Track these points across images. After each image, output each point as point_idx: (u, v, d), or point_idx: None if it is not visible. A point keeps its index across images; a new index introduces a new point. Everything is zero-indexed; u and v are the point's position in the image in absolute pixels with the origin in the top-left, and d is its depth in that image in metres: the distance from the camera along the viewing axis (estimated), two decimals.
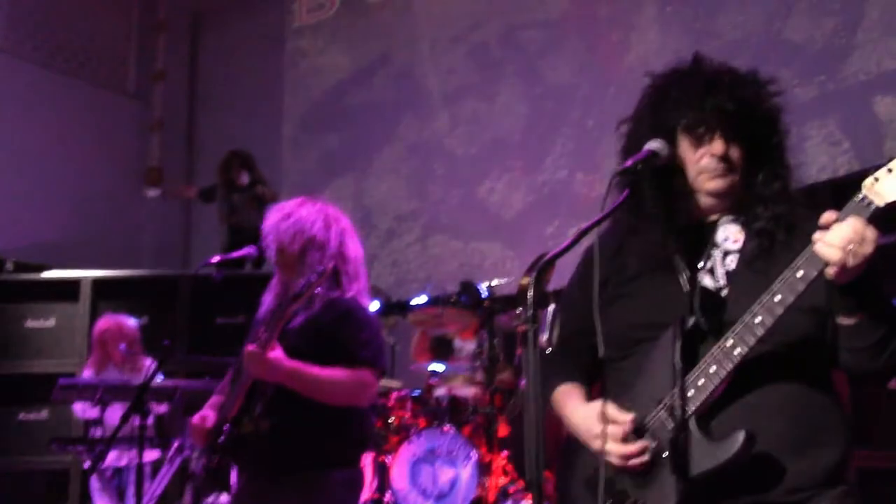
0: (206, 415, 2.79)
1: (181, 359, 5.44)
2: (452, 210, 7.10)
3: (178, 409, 4.65)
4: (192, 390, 4.41)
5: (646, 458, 1.71)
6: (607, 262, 1.86)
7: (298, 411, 2.65)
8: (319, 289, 2.69)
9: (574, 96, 6.57)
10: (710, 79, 1.81)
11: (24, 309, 6.12)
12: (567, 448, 1.93)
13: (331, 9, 8.19)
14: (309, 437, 2.66)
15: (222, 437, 2.66)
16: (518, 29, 7.02)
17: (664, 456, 1.69)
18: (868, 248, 1.55)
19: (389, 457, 4.55)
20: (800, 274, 1.60)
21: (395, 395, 4.91)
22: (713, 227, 1.83)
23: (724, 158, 1.78)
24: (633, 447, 1.71)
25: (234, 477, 2.95)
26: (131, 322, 5.18)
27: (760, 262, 1.75)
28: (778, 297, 1.62)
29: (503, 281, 5.22)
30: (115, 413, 4.21)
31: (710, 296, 1.77)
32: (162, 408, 4.72)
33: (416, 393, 4.93)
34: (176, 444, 4.44)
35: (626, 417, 1.72)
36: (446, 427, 4.53)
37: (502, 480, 4.48)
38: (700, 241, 1.83)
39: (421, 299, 5.49)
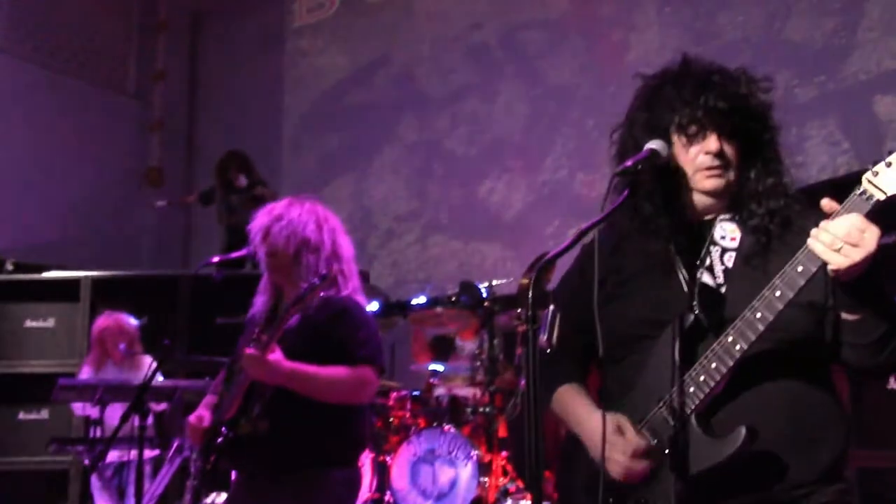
0: (202, 415, 2.79)
1: (181, 359, 5.44)
2: (452, 210, 7.10)
3: (178, 409, 4.65)
4: (192, 390, 4.41)
5: (646, 470, 1.71)
6: (606, 260, 1.86)
7: (296, 412, 2.65)
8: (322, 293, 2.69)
9: (574, 96, 6.57)
10: (702, 78, 1.82)
11: (24, 309, 6.11)
12: (567, 446, 1.93)
13: (331, 9, 8.19)
14: (307, 436, 2.66)
15: (220, 439, 2.66)
16: (518, 29, 7.02)
17: (665, 453, 1.70)
18: (870, 245, 1.55)
19: (389, 457, 4.55)
20: (800, 269, 1.60)
21: (394, 394, 4.92)
22: (711, 225, 1.84)
23: (720, 155, 1.79)
24: (640, 466, 1.71)
25: (233, 476, 2.95)
26: (131, 321, 5.18)
27: (759, 259, 1.75)
28: (778, 293, 1.62)
29: (503, 281, 5.22)
30: (114, 413, 4.21)
31: (710, 293, 1.77)
32: (162, 407, 4.72)
33: (416, 393, 4.93)
34: (176, 444, 4.44)
35: (640, 439, 1.72)
36: (446, 427, 4.53)
37: (502, 480, 4.48)
38: (698, 240, 1.83)
39: (421, 299, 5.49)
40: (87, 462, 4.74)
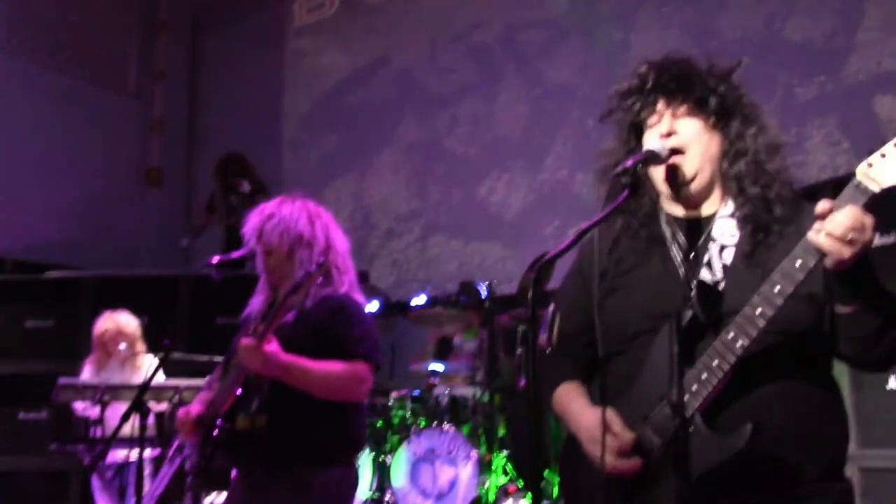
0: (190, 408, 2.80)
1: (181, 359, 5.44)
2: (452, 210, 7.10)
3: (178, 409, 4.64)
4: (192, 390, 4.41)
5: (637, 467, 1.71)
6: (604, 258, 1.87)
7: (295, 408, 2.65)
8: (319, 280, 2.70)
9: (574, 96, 6.56)
10: (656, 69, 1.83)
11: (24, 309, 6.11)
12: (569, 446, 1.93)
13: (331, 8, 8.19)
14: (305, 434, 2.66)
15: (216, 431, 2.66)
16: (518, 29, 7.02)
17: (669, 451, 1.69)
18: (867, 236, 1.55)
19: (389, 456, 4.55)
20: (798, 263, 1.60)
21: (394, 394, 4.92)
22: (709, 221, 1.83)
23: (673, 137, 1.79)
24: (628, 464, 1.71)
25: (233, 475, 2.95)
26: (131, 321, 5.18)
27: (757, 255, 1.75)
28: (777, 288, 1.61)
29: (503, 281, 5.22)
30: (115, 412, 4.21)
31: (708, 289, 1.76)
32: (162, 407, 4.72)
33: (416, 393, 4.93)
34: (176, 444, 4.44)
35: (627, 435, 1.72)
36: (446, 427, 4.53)
37: (502, 480, 4.48)
38: (697, 236, 1.83)
39: (421, 299, 5.49)
40: (87, 462, 4.74)
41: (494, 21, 7.16)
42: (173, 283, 6.00)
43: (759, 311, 1.62)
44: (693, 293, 1.76)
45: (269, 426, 2.65)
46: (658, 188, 1.86)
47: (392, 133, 7.55)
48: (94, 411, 4.56)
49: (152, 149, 8.78)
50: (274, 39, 8.52)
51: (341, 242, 2.91)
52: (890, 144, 1.56)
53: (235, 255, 3.61)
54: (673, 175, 1.81)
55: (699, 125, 1.81)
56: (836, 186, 1.65)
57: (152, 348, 5.04)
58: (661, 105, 1.82)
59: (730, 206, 1.82)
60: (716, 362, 1.66)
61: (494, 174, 6.91)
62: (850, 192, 1.57)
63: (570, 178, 6.46)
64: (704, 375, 1.67)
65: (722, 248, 1.80)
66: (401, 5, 7.76)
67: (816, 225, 1.56)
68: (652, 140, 1.82)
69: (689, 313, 1.73)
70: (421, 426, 4.61)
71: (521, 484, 4.47)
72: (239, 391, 2.73)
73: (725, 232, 1.81)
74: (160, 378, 4.32)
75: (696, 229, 1.84)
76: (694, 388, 1.68)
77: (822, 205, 1.57)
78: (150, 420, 4.31)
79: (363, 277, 5.75)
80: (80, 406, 4.88)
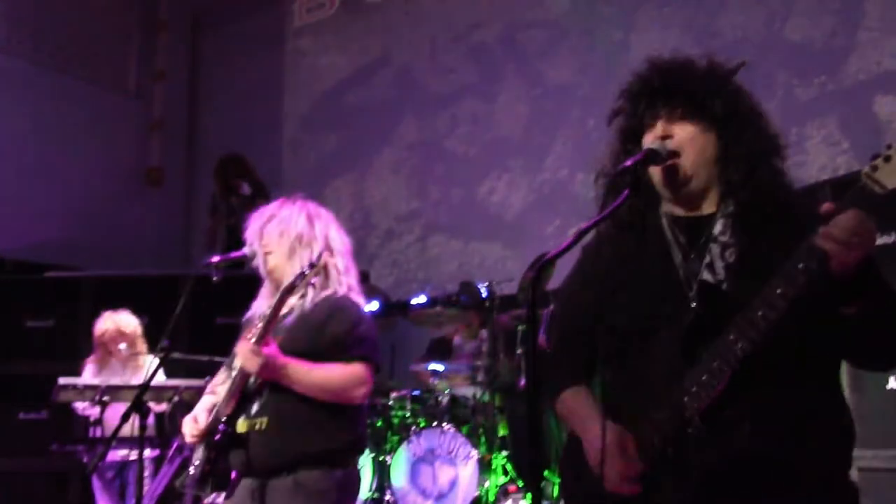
0: (197, 416, 2.80)
1: (181, 359, 5.43)
2: (452, 210, 7.10)
3: (178, 409, 4.64)
4: (192, 390, 4.41)
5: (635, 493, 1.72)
6: (605, 259, 1.87)
7: (295, 411, 2.65)
8: (315, 279, 2.70)
9: (574, 96, 6.56)
10: (654, 70, 1.84)
11: (24, 309, 6.11)
12: (572, 448, 1.92)
13: (331, 9, 8.19)
14: (305, 436, 2.65)
15: (218, 436, 2.66)
16: (518, 29, 7.02)
17: (669, 453, 1.69)
18: (870, 238, 1.55)
19: (389, 457, 4.55)
20: (801, 266, 1.59)
21: (394, 394, 4.92)
22: (710, 220, 1.82)
23: (668, 140, 1.79)
24: (628, 489, 1.72)
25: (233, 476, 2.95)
26: (132, 321, 5.18)
27: (759, 256, 1.73)
28: (779, 290, 1.60)
29: (503, 281, 5.22)
30: (115, 413, 4.21)
31: (710, 290, 1.76)
32: (162, 407, 4.72)
33: (416, 393, 4.93)
34: (176, 444, 4.44)
35: (637, 463, 1.72)
36: (446, 427, 4.53)
37: (502, 480, 4.48)
38: (697, 236, 1.82)
39: (421, 299, 5.50)
40: (86, 461, 4.74)
41: (494, 21, 7.16)
42: (173, 283, 6.00)
43: (760, 313, 1.62)
44: (694, 294, 1.75)
45: (269, 429, 2.64)
46: (657, 188, 1.86)
47: (392, 133, 7.55)
48: (94, 411, 4.56)
49: (152, 149, 8.78)
50: (274, 39, 8.52)
51: (342, 243, 2.90)
52: (893, 148, 1.55)
53: (235, 254, 3.61)
54: (671, 176, 1.80)
55: (696, 127, 1.80)
56: (835, 186, 1.65)
57: (152, 348, 5.03)
58: (658, 107, 1.81)
59: (731, 205, 1.80)
60: (716, 364, 1.66)
61: (494, 174, 6.92)
62: (854, 195, 1.56)
63: (570, 178, 6.46)
64: (705, 377, 1.67)
65: (724, 248, 1.78)
66: (401, 5, 7.76)
67: (822, 230, 1.56)
68: (650, 142, 1.82)
69: (691, 315, 1.72)
70: (421, 426, 4.60)
71: (521, 484, 4.47)
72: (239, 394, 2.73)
73: (727, 232, 1.79)
74: (160, 378, 4.33)
75: (697, 229, 1.82)
76: (694, 389, 1.68)
77: (825, 207, 1.57)
78: (151, 420, 4.32)
79: (363, 277, 5.75)
80: (80, 406, 4.88)
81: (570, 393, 1.93)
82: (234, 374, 2.73)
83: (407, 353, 5.86)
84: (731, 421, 1.65)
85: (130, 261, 7.59)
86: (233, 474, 2.89)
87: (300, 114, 8.29)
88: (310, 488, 2.64)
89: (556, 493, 4.31)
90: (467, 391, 4.90)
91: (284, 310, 2.74)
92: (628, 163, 1.75)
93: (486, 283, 5.13)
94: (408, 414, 4.80)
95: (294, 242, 2.80)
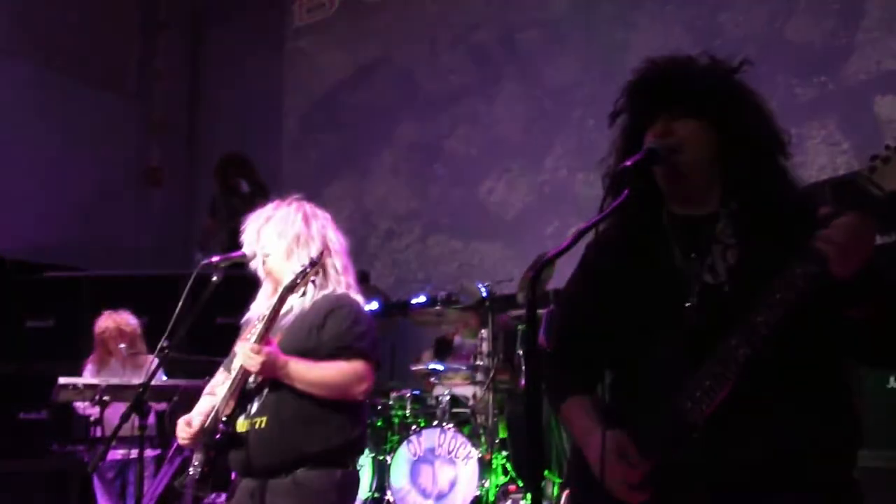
0: (192, 418, 2.80)
1: (181, 359, 5.43)
2: (452, 210, 7.10)
3: (178, 409, 4.64)
4: (192, 390, 4.41)
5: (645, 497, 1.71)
6: (607, 261, 1.86)
7: (294, 410, 2.65)
8: (315, 277, 2.70)
9: (574, 96, 6.56)
10: (655, 68, 1.83)
11: (24, 309, 6.11)
12: (577, 460, 1.91)
13: (330, 9, 8.19)
14: (305, 436, 2.65)
15: (218, 436, 2.66)
16: (518, 29, 7.02)
17: (674, 457, 1.68)
18: (870, 241, 1.55)
19: (389, 457, 4.55)
20: (800, 270, 1.58)
21: (394, 394, 4.92)
22: (712, 220, 1.80)
23: (667, 136, 1.77)
24: (636, 497, 1.70)
25: (233, 476, 2.95)
26: (132, 320, 5.18)
27: (761, 257, 1.71)
28: (779, 295, 1.60)
29: (503, 281, 5.22)
30: (115, 412, 4.21)
31: (712, 292, 1.74)
32: (162, 407, 4.72)
33: (416, 393, 4.93)
34: (176, 444, 4.44)
35: (640, 466, 1.70)
36: (446, 427, 4.53)
37: (502, 480, 4.48)
38: (699, 235, 1.80)
39: (421, 299, 5.50)
40: (87, 461, 4.74)
41: (494, 21, 7.16)
42: (173, 283, 6.00)
43: (761, 318, 1.61)
44: (695, 296, 1.74)
45: (268, 428, 2.64)
46: (659, 187, 1.85)
47: (392, 133, 7.55)
48: (94, 411, 4.56)
49: (152, 149, 8.78)
50: (274, 39, 8.52)
51: (339, 242, 2.90)
52: (891, 149, 1.55)
53: (235, 254, 3.61)
54: (672, 175, 1.80)
55: (697, 125, 1.78)
56: (835, 187, 1.65)
57: (152, 348, 5.03)
58: (659, 105, 1.81)
59: (733, 205, 1.79)
60: (720, 370, 1.64)
61: (494, 174, 6.92)
62: (853, 196, 1.56)
63: (570, 178, 6.46)
64: (708, 382, 1.65)
65: (726, 249, 1.77)
66: (401, 5, 7.76)
67: (821, 235, 1.55)
68: (651, 140, 1.81)
69: (693, 318, 1.71)
70: (421, 426, 4.60)
71: (521, 484, 4.47)
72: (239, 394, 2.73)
73: (729, 232, 1.78)
74: (160, 378, 4.33)
75: (699, 229, 1.81)
76: (698, 394, 1.66)
77: (823, 210, 1.56)
78: (151, 420, 4.32)
79: (363, 277, 5.75)
80: (81, 406, 4.89)
81: (571, 402, 1.91)
82: (233, 373, 2.73)
83: (407, 353, 5.86)
84: (735, 426, 1.64)
85: (130, 261, 7.59)
86: (233, 474, 2.90)
87: (300, 114, 8.29)
88: (309, 488, 2.64)
89: (556, 492, 4.32)
90: (467, 391, 4.90)
91: (284, 309, 2.74)
92: (628, 162, 1.74)
93: (487, 283, 5.14)
94: (408, 414, 4.80)
95: (292, 243, 2.80)
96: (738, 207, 1.78)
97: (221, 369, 2.94)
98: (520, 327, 5.08)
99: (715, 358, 1.65)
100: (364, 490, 4.48)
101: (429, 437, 4.50)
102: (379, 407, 4.87)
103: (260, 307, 2.88)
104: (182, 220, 8.75)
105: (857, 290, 1.61)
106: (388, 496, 4.49)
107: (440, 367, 5.01)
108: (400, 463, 4.49)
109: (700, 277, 1.76)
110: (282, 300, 2.65)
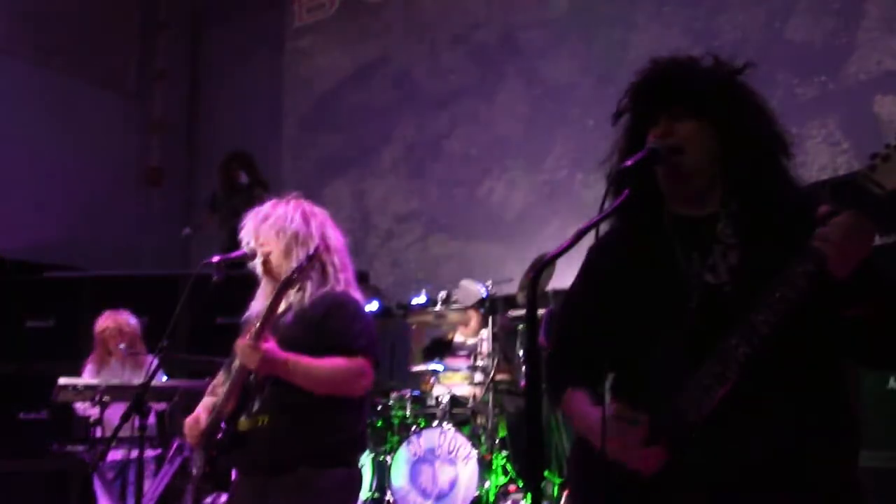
0: (200, 416, 2.80)
1: (181, 359, 5.44)
2: (452, 210, 7.10)
3: (178, 409, 4.65)
4: (192, 390, 4.41)
5: (662, 455, 1.69)
6: (608, 261, 1.86)
7: (296, 408, 2.65)
8: (312, 275, 2.70)
9: (574, 96, 6.57)
10: (657, 69, 1.83)
11: (24, 309, 6.11)
12: (578, 448, 1.92)
13: (331, 9, 8.19)
14: (306, 434, 2.65)
15: (220, 435, 2.66)
16: (518, 29, 7.02)
17: (674, 457, 1.68)
18: (868, 240, 1.55)
19: (389, 457, 4.55)
20: (799, 269, 1.58)
21: (394, 394, 4.92)
22: (713, 220, 1.80)
23: (667, 136, 1.77)
24: (650, 452, 1.69)
25: (233, 476, 2.95)
26: (132, 320, 5.18)
27: (762, 257, 1.71)
28: (778, 294, 1.60)
29: (503, 281, 5.22)
30: (115, 413, 4.21)
31: (713, 292, 1.74)
32: (162, 407, 4.72)
33: (416, 393, 4.93)
34: (176, 444, 4.44)
35: (642, 419, 1.69)
36: (446, 427, 4.53)
37: (502, 480, 4.48)
38: (700, 235, 1.80)
39: (421, 299, 5.50)
40: (87, 460, 4.74)
41: (494, 21, 7.17)
42: (173, 283, 6.00)
43: (761, 318, 1.61)
44: (696, 296, 1.74)
45: (270, 427, 2.64)
46: (660, 188, 1.85)
47: (392, 133, 7.56)
48: (94, 411, 4.56)
49: (152, 149, 8.79)
50: (274, 39, 8.52)
51: (337, 240, 2.90)
52: (891, 147, 1.55)
53: (235, 254, 3.61)
54: (673, 175, 1.80)
55: (699, 125, 1.79)
56: (835, 187, 1.65)
57: (152, 348, 5.03)
58: (661, 105, 1.81)
59: (734, 205, 1.79)
60: (719, 369, 1.64)
61: (494, 174, 6.92)
62: (852, 195, 1.56)
63: (570, 178, 6.46)
64: (708, 381, 1.65)
65: (727, 249, 1.77)
66: (401, 5, 7.76)
67: (820, 233, 1.55)
68: (652, 140, 1.81)
69: (694, 318, 1.71)
70: (421, 426, 4.60)
71: (521, 484, 4.47)
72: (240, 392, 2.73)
73: (730, 232, 1.78)
74: (160, 378, 4.33)
75: (700, 229, 1.81)
76: (698, 393, 1.66)
77: (822, 209, 1.56)
78: (151, 420, 4.31)
79: (363, 277, 5.75)
80: (81, 406, 4.88)
81: (571, 393, 1.91)
82: (234, 372, 2.73)
83: (407, 353, 5.86)
84: (735, 426, 1.64)
85: (130, 261, 7.59)
86: (233, 474, 2.90)
87: (300, 114, 8.29)
88: (311, 487, 2.63)
89: (556, 492, 4.32)
90: (467, 391, 4.90)
91: (283, 306, 2.74)
92: (629, 162, 1.74)
93: (487, 283, 5.14)
94: (408, 414, 4.80)
95: (291, 241, 2.80)
96: (738, 208, 1.78)
97: (223, 370, 2.93)
98: (520, 327, 5.08)
99: (715, 357, 1.65)
100: (364, 490, 4.48)
101: (429, 438, 4.50)
102: (379, 407, 4.87)
103: (259, 306, 2.88)
104: (182, 220, 8.74)
105: (856, 290, 1.60)
106: (388, 496, 4.49)
107: (440, 367, 5.01)
108: (400, 463, 4.49)
109: (701, 277, 1.76)
110: (279, 295, 2.65)
